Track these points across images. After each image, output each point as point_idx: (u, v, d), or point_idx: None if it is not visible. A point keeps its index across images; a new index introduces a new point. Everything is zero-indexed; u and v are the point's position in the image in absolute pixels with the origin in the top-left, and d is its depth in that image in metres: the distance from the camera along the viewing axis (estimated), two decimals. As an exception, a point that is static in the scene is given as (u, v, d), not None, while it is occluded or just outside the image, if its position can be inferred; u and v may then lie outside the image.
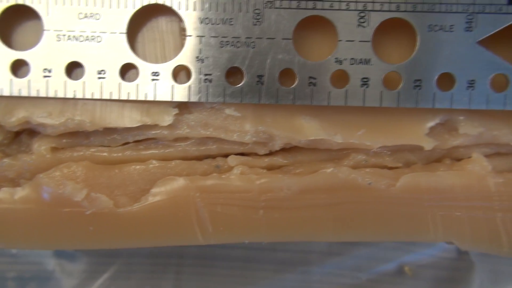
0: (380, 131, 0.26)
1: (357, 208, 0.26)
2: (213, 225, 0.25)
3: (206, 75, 0.25)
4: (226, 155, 0.27)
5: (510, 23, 0.25)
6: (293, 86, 0.25)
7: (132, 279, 0.36)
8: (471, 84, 0.25)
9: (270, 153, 0.27)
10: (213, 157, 0.27)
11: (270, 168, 0.27)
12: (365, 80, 0.25)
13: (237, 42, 0.25)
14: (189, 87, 0.25)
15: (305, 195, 0.26)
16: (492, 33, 0.25)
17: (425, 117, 0.27)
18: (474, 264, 0.37)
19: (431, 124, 0.26)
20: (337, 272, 0.37)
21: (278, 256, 0.37)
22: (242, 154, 0.27)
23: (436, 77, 0.25)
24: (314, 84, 0.25)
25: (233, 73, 0.25)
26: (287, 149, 0.28)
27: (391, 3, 0.25)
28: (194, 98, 0.25)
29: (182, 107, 0.26)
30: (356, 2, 0.25)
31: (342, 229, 0.26)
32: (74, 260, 0.36)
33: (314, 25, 0.25)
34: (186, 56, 0.25)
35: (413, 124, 0.26)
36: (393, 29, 0.25)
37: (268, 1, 0.25)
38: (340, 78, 0.25)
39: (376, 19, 0.25)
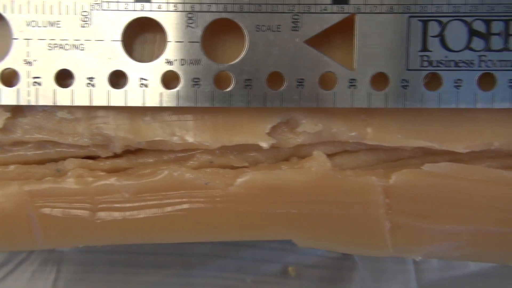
0: (220, 131, 0.27)
1: (194, 207, 0.26)
2: (44, 229, 0.25)
3: (34, 78, 0.25)
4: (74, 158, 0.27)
5: (335, 22, 0.25)
6: (124, 88, 0.25)
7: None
8: (300, 82, 0.25)
9: (116, 156, 0.27)
10: (56, 160, 0.27)
11: (113, 171, 0.27)
12: (196, 80, 0.25)
13: (66, 44, 0.25)
14: (18, 90, 0.25)
15: (143, 197, 0.26)
16: (318, 32, 0.25)
17: (267, 116, 0.27)
18: (357, 263, 0.38)
19: (272, 123, 0.27)
20: (221, 274, 0.37)
21: (160, 260, 0.37)
22: (90, 157, 0.27)
23: (266, 77, 0.25)
24: (146, 85, 0.25)
25: (64, 76, 0.25)
26: (133, 151, 0.28)
27: (219, 4, 0.25)
28: (23, 101, 0.25)
29: (17, 110, 0.26)
30: (184, 3, 0.25)
31: (180, 229, 0.26)
32: None
33: (145, 27, 0.25)
34: (13, 59, 0.25)
35: (254, 124, 0.27)
36: (223, 30, 0.26)
37: (95, 3, 0.25)
38: (172, 79, 0.25)
39: (204, 20, 0.25)
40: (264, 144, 0.26)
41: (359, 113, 0.27)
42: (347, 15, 0.25)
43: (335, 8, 0.25)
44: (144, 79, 0.25)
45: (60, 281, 0.36)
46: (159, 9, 0.25)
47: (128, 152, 0.28)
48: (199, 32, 0.25)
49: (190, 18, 0.25)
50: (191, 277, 0.37)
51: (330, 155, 0.28)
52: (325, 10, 0.25)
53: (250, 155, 0.28)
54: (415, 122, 0.27)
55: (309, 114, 0.27)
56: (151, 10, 0.25)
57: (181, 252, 0.37)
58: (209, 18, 0.25)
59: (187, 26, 0.25)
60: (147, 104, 0.25)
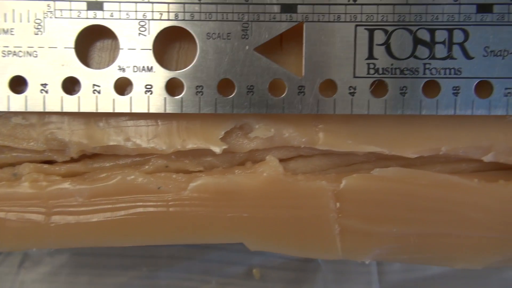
0: (174, 136, 0.27)
1: (147, 211, 0.27)
2: (-1, 233, 0.26)
3: (-12, 84, 0.25)
4: (30, 162, 0.28)
5: (283, 30, 0.26)
6: (77, 94, 0.26)
7: None
8: (250, 89, 0.26)
9: (73, 160, 0.28)
10: (14, 165, 0.28)
11: (70, 175, 0.28)
12: (148, 87, 0.26)
13: (19, 51, 0.25)
14: (-29, 96, 0.25)
15: (96, 201, 0.26)
16: (267, 40, 0.26)
17: (221, 122, 0.27)
18: (320, 265, 0.38)
19: (225, 129, 0.27)
20: (186, 276, 0.38)
21: (126, 262, 0.37)
22: (48, 161, 0.28)
23: (217, 83, 0.26)
24: (99, 92, 0.26)
25: (18, 82, 0.26)
26: (90, 156, 0.28)
27: (170, 12, 0.25)
28: (-23, 107, 0.25)
29: (-26, 116, 0.26)
30: (136, 11, 0.25)
31: (133, 233, 0.27)
32: None
33: (98, 34, 0.26)
34: (-33, 66, 0.25)
35: (208, 129, 0.27)
36: (174, 37, 0.26)
37: (48, 11, 0.25)
38: (125, 85, 0.26)
39: (156, 28, 0.26)
40: (217, 149, 0.27)
41: (311, 119, 0.27)
42: (295, 23, 0.26)
43: (284, 16, 0.25)
44: (97, 86, 0.26)
45: (25, 284, 0.36)
46: (111, 17, 0.25)
47: (85, 156, 0.28)
48: (151, 39, 0.26)
49: (142, 26, 0.26)
50: (157, 278, 0.37)
51: (284, 160, 0.29)
52: (274, 18, 0.26)
53: (206, 159, 0.29)
54: (366, 128, 0.27)
55: (262, 120, 0.27)
56: (103, 18, 0.25)
57: (147, 254, 0.37)
58: (160, 26, 0.26)
59: (139, 33, 0.26)
60: (100, 110, 0.26)
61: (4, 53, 0.25)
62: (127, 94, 0.26)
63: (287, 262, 0.39)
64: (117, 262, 0.37)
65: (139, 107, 0.26)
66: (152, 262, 0.38)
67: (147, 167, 0.28)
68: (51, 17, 0.25)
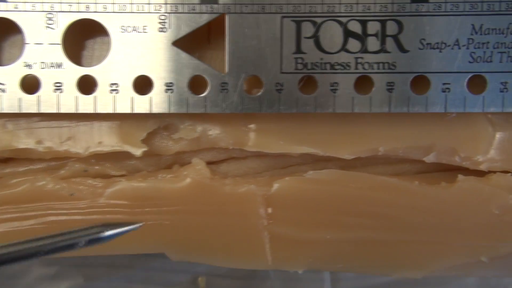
0: (94, 137, 0.25)
1: (59, 220, 0.24)
2: None
3: None
4: None
5: (204, 23, 0.24)
6: (-20, 92, 0.24)
7: None
8: (169, 86, 0.24)
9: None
10: None
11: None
12: (58, 84, 0.24)
13: None
14: None
15: (3, 209, 0.24)
16: (187, 33, 0.24)
17: (143, 122, 0.25)
18: (269, 272, 0.36)
19: (148, 130, 0.25)
20: (127, 285, 0.36)
21: (61, 271, 0.35)
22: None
23: (132, 81, 0.24)
24: (3, 90, 0.24)
25: None
26: (3, 160, 0.26)
27: (80, 3, 0.23)
28: None
29: None
30: (43, 3, 0.23)
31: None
32: None
33: (2, 28, 0.24)
34: None
35: (129, 130, 0.25)
36: (87, 31, 0.24)
37: None
38: (32, 83, 0.24)
39: (65, 20, 0.23)
40: (137, 152, 0.25)
41: (241, 118, 0.26)
42: (216, 15, 0.24)
43: (204, 7, 0.24)
44: (2, 84, 0.24)
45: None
46: (16, 9, 0.23)
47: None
48: (59, 33, 0.24)
49: (50, 19, 0.24)
50: (96, 288, 0.35)
51: (215, 162, 0.27)
52: (194, 10, 0.24)
53: (130, 163, 0.27)
54: (298, 127, 0.25)
55: (188, 120, 0.26)
56: (7, 10, 0.23)
57: (84, 262, 0.35)
58: (70, 18, 0.24)
59: (47, 27, 0.24)
60: (5, 111, 0.24)
61: None
62: (35, 92, 0.24)
63: (234, 270, 0.37)
64: (49, 271, 0.35)
65: (48, 107, 0.24)
66: (90, 272, 0.36)
67: (62, 171, 0.26)
68: None
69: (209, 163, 0.27)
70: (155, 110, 0.24)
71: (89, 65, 0.24)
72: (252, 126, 0.25)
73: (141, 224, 0.20)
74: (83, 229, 0.19)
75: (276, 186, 0.25)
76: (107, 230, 0.19)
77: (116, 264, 0.36)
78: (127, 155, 0.26)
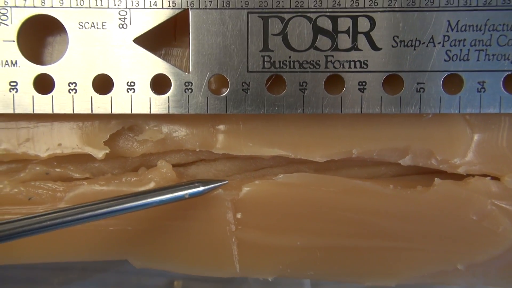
0: (54, 138, 0.24)
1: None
2: None
3: None
4: None
5: (166, 18, 0.22)
6: None
7: None
8: (130, 86, 0.23)
9: None
10: None
11: None
12: (13, 84, 0.23)
13: None
14: None
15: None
16: (148, 30, 0.23)
17: (105, 122, 0.24)
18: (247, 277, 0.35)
19: (111, 131, 0.24)
20: (100, 289, 0.35)
21: (34, 275, 0.34)
22: None
23: (92, 80, 0.23)
24: (-44, 90, 0.23)
25: None
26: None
27: (36, -2, 0.22)
28: None
29: None
30: (-4, -3, 0.22)
31: (3, 251, 0.23)
32: None
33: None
34: None
35: (91, 131, 0.24)
36: (44, 27, 0.23)
37: None
38: (-14, 83, 0.23)
39: (19, 16, 0.22)
40: (98, 154, 0.24)
41: (208, 119, 0.24)
42: (179, 10, 0.22)
43: (166, 2, 0.22)
44: (-47, 83, 0.22)
45: None
46: (-33, 4, 0.22)
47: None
48: (14, 30, 0.22)
49: (3, 15, 0.22)
50: (69, 292, 0.34)
51: (183, 165, 0.26)
52: (155, 5, 0.22)
53: (94, 165, 0.25)
54: (269, 128, 0.24)
55: (153, 120, 0.24)
56: (-42, 6, 0.22)
57: (57, 266, 0.34)
58: (25, 14, 0.22)
59: (0, 23, 0.22)
60: (-42, 111, 0.23)
61: None
62: (-10, 92, 0.23)
63: (211, 273, 0.36)
64: (22, 274, 0.34)
65: (3, 107, 0.23)
66: (64, 275, 0.34)
67: (22, 174, 0.24)
68: None
69: (177, 165, 0.26)
70: (116, 110, 0.23)
71: (49, 63, 0.23)
72: (220, 127, 0.24)
73: (226, 181, 0.23)
74: (183, 185, 0.22)
75: (245, 190, 0.24)
76: (202, 186, 0.23)
77: (90, 268, 0.35)
78: (91, 157, 0.25)
